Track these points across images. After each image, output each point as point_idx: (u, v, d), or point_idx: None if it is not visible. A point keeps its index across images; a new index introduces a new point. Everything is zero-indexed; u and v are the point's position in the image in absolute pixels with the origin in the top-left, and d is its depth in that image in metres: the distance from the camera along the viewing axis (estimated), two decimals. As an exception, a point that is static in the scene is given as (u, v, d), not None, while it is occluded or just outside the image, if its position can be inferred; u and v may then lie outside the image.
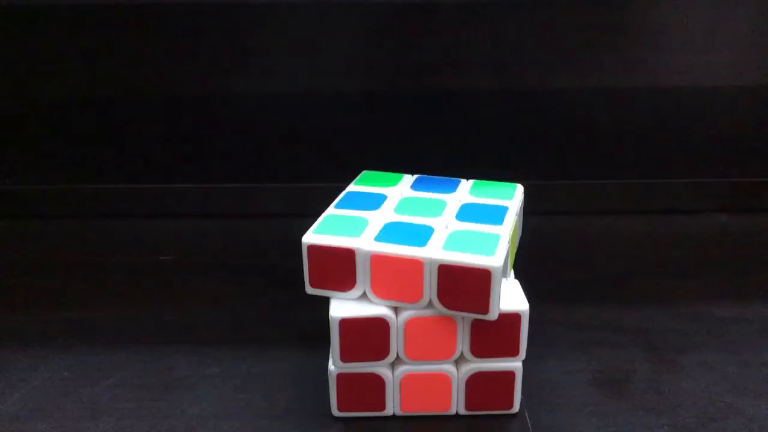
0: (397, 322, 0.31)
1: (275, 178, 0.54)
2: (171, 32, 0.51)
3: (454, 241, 0.31)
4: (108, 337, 0.40)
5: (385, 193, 0.36)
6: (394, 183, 0.37)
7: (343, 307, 0.31)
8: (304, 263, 0.32)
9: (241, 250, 0.50)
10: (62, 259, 0.49)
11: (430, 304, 0.31)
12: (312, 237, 0.31)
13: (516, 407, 0.33)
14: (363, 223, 0.33)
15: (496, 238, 0.31)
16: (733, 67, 0.51)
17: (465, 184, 0.37)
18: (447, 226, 0.33)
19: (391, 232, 0.32)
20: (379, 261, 0.31)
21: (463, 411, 0.33)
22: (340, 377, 0.32)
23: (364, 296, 0.32)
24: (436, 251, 0.30)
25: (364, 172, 0.39)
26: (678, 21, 0.50)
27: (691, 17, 0.50)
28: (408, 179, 0.38)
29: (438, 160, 0.53)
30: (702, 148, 0.53)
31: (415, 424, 0.33)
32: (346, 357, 0.32)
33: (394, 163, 0.52)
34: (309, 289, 0.32)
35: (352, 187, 0.37)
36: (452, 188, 0.37)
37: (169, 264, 0.48)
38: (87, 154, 0.54)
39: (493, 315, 0.30)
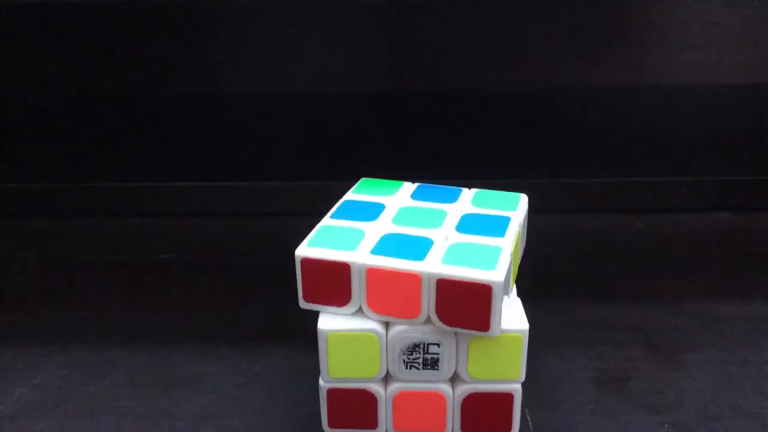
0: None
1: (275, 177, 0.54)
2: (171, 31, 0.51)
3: (453, 254, 0.30)
4: (108, 335, 0.40)
5: (383, 203, 0.34)
6: (393, 191, 0.36)
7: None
8: (297, 277, 0.30)
9: (241, 248, 0.50)
10: (62, 257, 0.49)
11: (428, 320, 0.29)
12: (306, 250, 0.30)
13: (515, 431, 0.32)
14: (359, 235, 0.31)
15: (497, 250, 0.30)
16: (731, 66, 0.51)
17: (467, 194, 0.36)
18: (447, 238, 0.31)
19: (388, 244, 0.30)
20: (375, 275, 0.29)
21: None
22: (331, 392, 0.31)
23: (359, 311, 0.30)
24: (434, 265, 0.29)
25: (362, 179, 0.37)
26: (678, 19, 0.50)
27: (691, 15, 0.50)
28: (408, 187, 0.36)
29: (438, 158, 0.53)
30: (701, 147, 0.54)
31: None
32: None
33: (394, 161, 0.53)
34: (303, 304, 0.31)
35: (349, 196, 0.35)
36: (454, 198, 0.35)
37: (168, 262, 0.48)
38: (86, 153, 0.54)
39: (494, 332, 0.29)
